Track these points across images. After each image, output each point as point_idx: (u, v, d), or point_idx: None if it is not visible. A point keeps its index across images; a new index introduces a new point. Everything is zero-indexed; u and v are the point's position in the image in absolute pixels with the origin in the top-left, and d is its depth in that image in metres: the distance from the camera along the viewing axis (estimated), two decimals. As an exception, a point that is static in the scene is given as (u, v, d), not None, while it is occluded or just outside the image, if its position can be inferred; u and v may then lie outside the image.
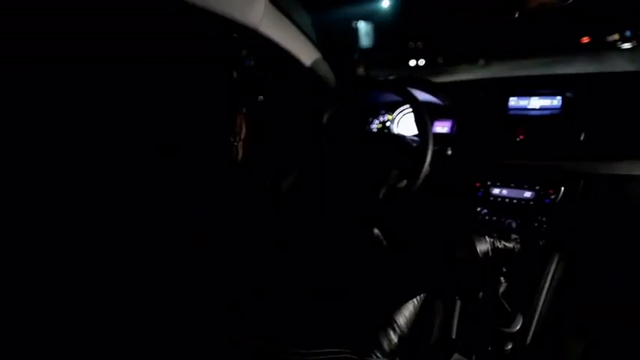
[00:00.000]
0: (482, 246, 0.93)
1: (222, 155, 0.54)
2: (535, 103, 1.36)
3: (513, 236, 1.04)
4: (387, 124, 1.67)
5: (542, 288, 1.18)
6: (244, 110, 0.57)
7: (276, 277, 0.76)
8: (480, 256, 0.92)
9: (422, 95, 1.50)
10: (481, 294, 0.96)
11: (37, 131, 0.39)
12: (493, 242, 0.96)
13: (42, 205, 0.38)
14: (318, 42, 1.41)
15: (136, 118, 0.42)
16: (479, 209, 1.36)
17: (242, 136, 0.57)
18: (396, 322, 0.85)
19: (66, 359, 0.39)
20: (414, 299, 0.92)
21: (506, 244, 1.00)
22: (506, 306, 1.04)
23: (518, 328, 1.06)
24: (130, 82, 0.42)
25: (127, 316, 0.43)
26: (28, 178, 0.38)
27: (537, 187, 1.27)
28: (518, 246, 1.02)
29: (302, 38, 1.33)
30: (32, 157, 0.38)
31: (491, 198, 1.34)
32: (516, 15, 1.19)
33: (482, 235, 0.96)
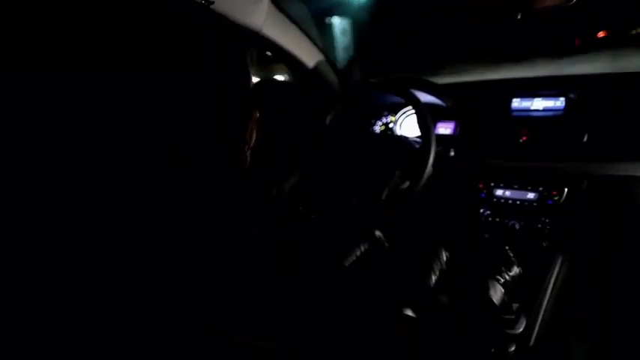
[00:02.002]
0: (497, 295, 0.93)
1: (230, 161, 0.54)
2: (538, 104, 1.35)
3: (513, 257, 1.03)
4: (390, 125, 1.67)
5: (546, 290, 1.17)
6: (256, 117, 0.57)
7: (279, 277, 0.77)
8: (499, 305, 0.92)
9: (424, 97, 1.50)
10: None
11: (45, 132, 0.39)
12: (504, 281, 0.96)
13: (48, 206, 0.39)
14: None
15: (142, 121, 0.43)
16: (482, 210, 1.35)
17: (251, 145, 0.57)
18: (396, 323, 0.85)
19: (65, 358, 0.40)
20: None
21: (512, 272, 0.99)
22: (510, 308, 1.04)
23: (521, 329, 1.06)
24: (137, 85, 0.42)
25: (129, 316, 0.43)
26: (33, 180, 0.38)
27: (540, 189, 1.26)
28: (519, 270, 1.02)
29: (304, 40, 1.33)
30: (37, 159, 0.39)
31: (495, 199, 1.34)
32: (519, 16, 1.19)
33: (491, 276, 0.95)
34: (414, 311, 0.90)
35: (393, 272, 1.03)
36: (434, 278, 0.98)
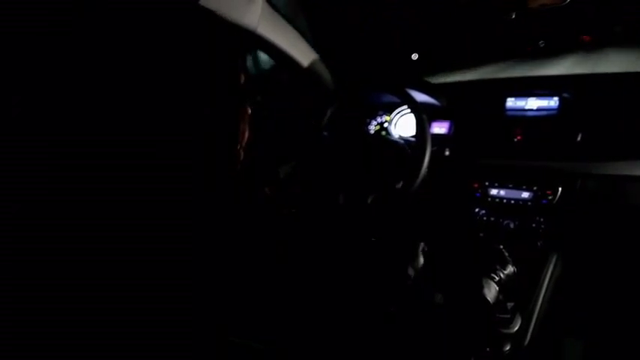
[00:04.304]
0: (491, 292, 0.93)
1: (223, 161, 0.54)
2: (532, 103, 1.36)
3: (507, 257, 1.03)
4: (385, 125, 1.67)
5: (541, 289, 1.18)
6: (248, 115, 0.56)
7: (276, 278, 0.76)
8: (493, 303, 0.92)
9: (419, 96, 1.50)
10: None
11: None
12: (499, 279, 0.96)
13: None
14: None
15: (142, 118, 0.42)
16: (477, 210, 1.36)
17: (244, 144, 0.57)
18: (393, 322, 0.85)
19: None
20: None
21: (506, 271, 1.00)
22: (505, 307, 1.04)
23: (516, 329, 1.06)
24: (137, 83, 0.42)
25: (128, 318, 0.42)
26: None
27: (535, 188, 1.27)
28: (514, 269, 1.02)
29: (299, 39, 1.33)
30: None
31: (489, 199, 1.34)
32: (513, 16, 1.19)
33: (485, 274, 0.95)
34: (397, 308, 0.90)
35: (378, 268, 1.03)
36: (413, 274, 0.98)
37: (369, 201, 1.22)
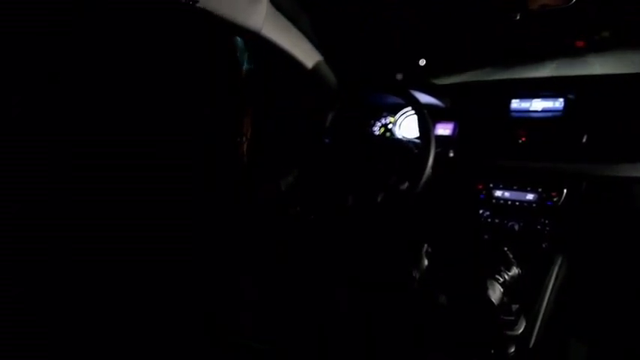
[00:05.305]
0: (496, 294, 0.93)
1: (228, 156, 0.54)
2: (537, 105, 1.35)
3: (512, 258, 1.03)
4: (389, 126, 1.67)
5: (545, 290, 1.17)
6: (250, 111, 0.56)
7: (278, 278, 0.76)
8: (497, 305, 0.92)
9: (424, 97, 1.49)
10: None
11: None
12: (503, 280, 0.96)
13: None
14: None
15: (141, 119, 0.42)
16: (481, 211, 1.35)
17: (248, 137, 0.57)
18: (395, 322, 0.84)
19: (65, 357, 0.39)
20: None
21: (511, 272, 0.99)
22: (510, 309, 1.04)
23: (521, 330, 1.06)
24: (136, 84, 0.42)
25: (127, 314, 0.42)
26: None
27: (540, 190, 1.26)
28: (518, 270, 1.02)
29: (303, 40, 1.33)
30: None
31: (494, 200, 1.33)
32: (517, 17, 1.18)
33: (490, 275, 0.95)
34: (401, 308, 0.90)
35: (382, 269, 1.03)
36: (417, 275, 0.98)
37: (378, 200, 1.22)
